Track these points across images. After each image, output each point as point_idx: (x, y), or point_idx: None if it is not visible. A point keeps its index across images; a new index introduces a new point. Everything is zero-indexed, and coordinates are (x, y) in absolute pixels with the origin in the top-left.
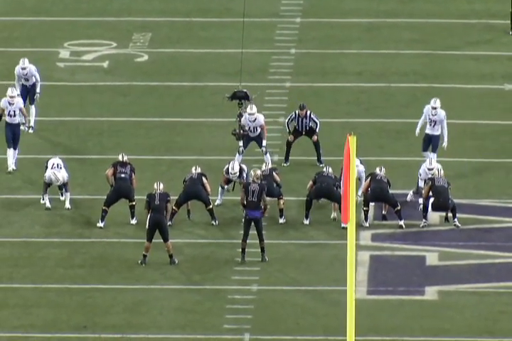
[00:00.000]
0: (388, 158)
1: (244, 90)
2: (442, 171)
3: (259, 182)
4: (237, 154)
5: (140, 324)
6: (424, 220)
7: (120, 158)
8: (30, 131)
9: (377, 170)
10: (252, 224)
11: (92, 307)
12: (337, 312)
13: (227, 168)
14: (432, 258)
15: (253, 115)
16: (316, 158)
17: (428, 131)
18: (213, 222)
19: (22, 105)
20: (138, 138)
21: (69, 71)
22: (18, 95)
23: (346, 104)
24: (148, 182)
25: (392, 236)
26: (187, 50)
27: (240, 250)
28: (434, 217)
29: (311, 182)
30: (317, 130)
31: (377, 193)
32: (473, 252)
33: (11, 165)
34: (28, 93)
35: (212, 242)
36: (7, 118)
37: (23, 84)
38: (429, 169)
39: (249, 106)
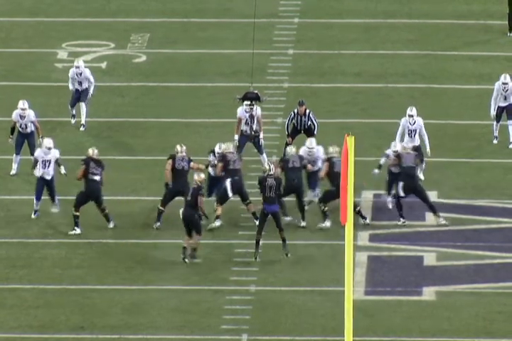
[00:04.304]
0: None
1: (255, 91)
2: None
3: (275, 175)
4: None
5: (138, 324)
6: (401, 219)
7: (91, 152)
8: (82, 129)
9: (331, 150)
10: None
11: (89, 307)
12: (335, 313)
13: (214, 150)
14: (430, 258)
15: (252, 106)
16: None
17: (407, 142)
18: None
19: (34, 118)
20: (135, 138)
21: (67, 72)
22: (28, 108)
23: (344, 105)
24: (146, 182)
25: (390, 237)
26: (185, 51)
27: (254, 242)
28: (432, 217)
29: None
30: (315, 132)
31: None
32: (470, 252)
33: (15, 169)
34: (80, 95)
35: (210, 243)
36: (19, 129)
37: (76, 89)
38: (394, 151)
39: (248, 105)
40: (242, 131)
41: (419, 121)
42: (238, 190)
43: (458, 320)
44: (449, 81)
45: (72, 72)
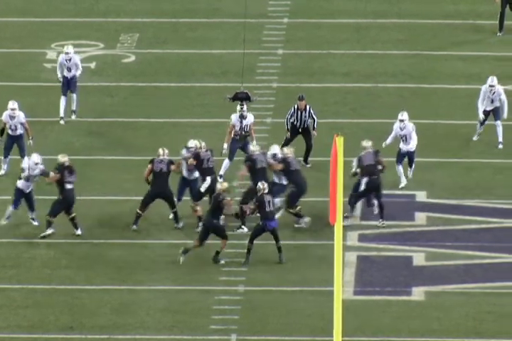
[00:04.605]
0: None
1: (246, 91)
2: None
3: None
4: (227, 160)
5: (127, 324)
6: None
7: (62, 159)
8: (73, 116)
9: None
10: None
11: (78, 307)
12: (324, 313)
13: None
14: (419, 258)
15: (244, 113)
16: (303, 158)
17: (402, 147)
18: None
19: (24, 120)
20: (124, 138)
21: (57, 72)
22: (18, 109)
23: (334, 105)
24: (134, 182)
25: (379, 237)
26: (174, 51)
27: (246, 250)
28: (421, 217)
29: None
30: (315, 125)
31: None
32: (460, 253)
33: (4, 169)
34: (68, 85)
35: None
36: (9, 131)
37: (64, 76)
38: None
39: (239, 106)
40: (233, 138)
41: (409, 127)
42: (213, 189)
43: (447, 320)
44: (439, 81)
45: (61, 58)
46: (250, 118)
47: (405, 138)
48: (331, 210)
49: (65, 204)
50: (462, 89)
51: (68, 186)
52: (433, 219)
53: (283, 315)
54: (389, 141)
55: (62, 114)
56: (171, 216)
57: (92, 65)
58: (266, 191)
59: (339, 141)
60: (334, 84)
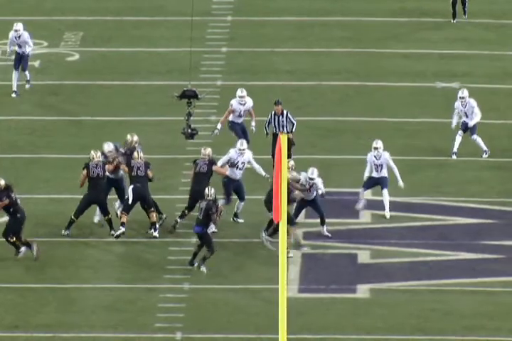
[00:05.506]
0: (320, 156)
1: (193, 89)
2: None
3: (209, 200)
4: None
5: (72, 323)
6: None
7: (1, 182)
8: (27, 86)
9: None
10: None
11: (23, 306)
12: (269, 311)
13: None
14: (364, 256)
15: (243, 98)
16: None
17: (375, 175)
18: (112, 232)
19: None
20: (69, 137)
21: (0, 70)
22: None
23: None
24: (78, 181)
25: (324, 235)
26: (118, 49)
27: (192, 253)
28: (366, 214)
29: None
30: (293, 129)
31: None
32: (405, 250)
33: None
34: (21, 60)
35: (143, 241)
36: None
37: (16, 52)
38: (311, 179)
39: (239, 90)
40: (233, 121)
41: (385, 155)
42: (141, 197)
43: (392, 318)
44: (383, 78)
45: (11, 34)
46: (249, 103)
47: (380, 169)
48: (274, 208)
49: (22, 220)
50: (407, 86)
51: (19, 202)
52: (378, 217)
53: (228, 312)
54: (366, 176)
55: (14, 87)
56: (96, 219)
57: (36, 64)
58: (209, 197)
59: (283, 139)
60: (278, 82)
